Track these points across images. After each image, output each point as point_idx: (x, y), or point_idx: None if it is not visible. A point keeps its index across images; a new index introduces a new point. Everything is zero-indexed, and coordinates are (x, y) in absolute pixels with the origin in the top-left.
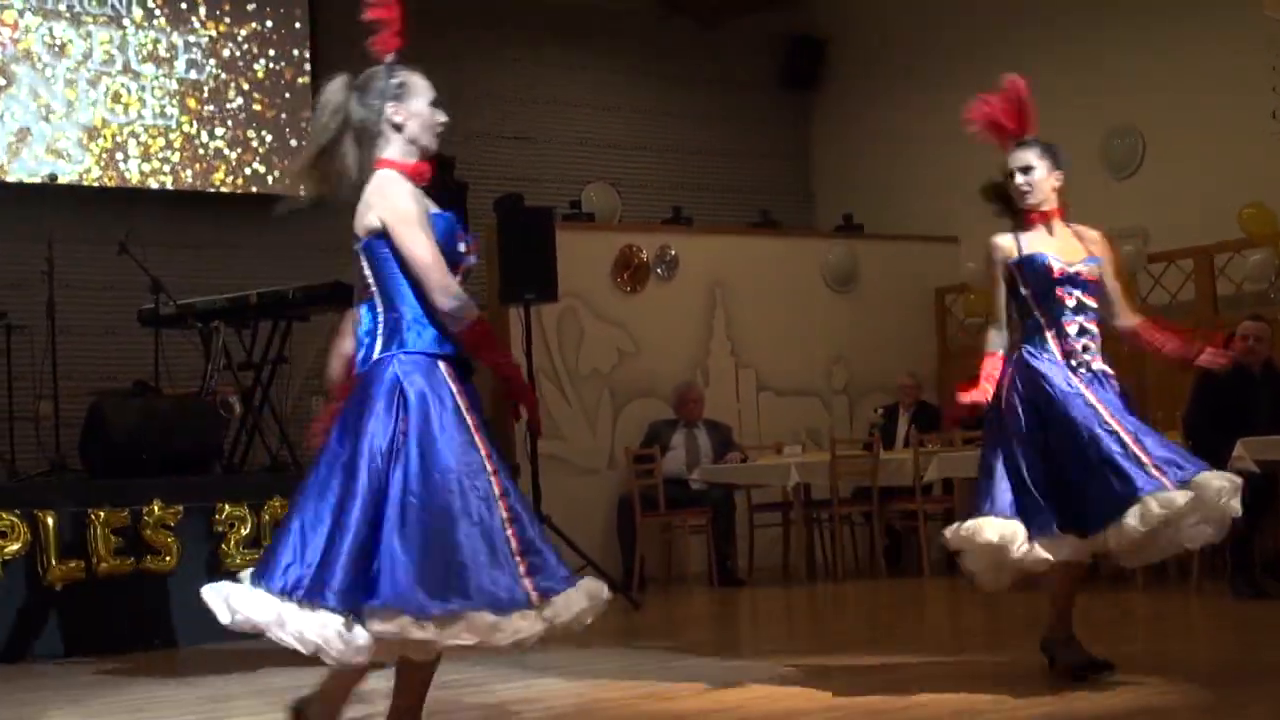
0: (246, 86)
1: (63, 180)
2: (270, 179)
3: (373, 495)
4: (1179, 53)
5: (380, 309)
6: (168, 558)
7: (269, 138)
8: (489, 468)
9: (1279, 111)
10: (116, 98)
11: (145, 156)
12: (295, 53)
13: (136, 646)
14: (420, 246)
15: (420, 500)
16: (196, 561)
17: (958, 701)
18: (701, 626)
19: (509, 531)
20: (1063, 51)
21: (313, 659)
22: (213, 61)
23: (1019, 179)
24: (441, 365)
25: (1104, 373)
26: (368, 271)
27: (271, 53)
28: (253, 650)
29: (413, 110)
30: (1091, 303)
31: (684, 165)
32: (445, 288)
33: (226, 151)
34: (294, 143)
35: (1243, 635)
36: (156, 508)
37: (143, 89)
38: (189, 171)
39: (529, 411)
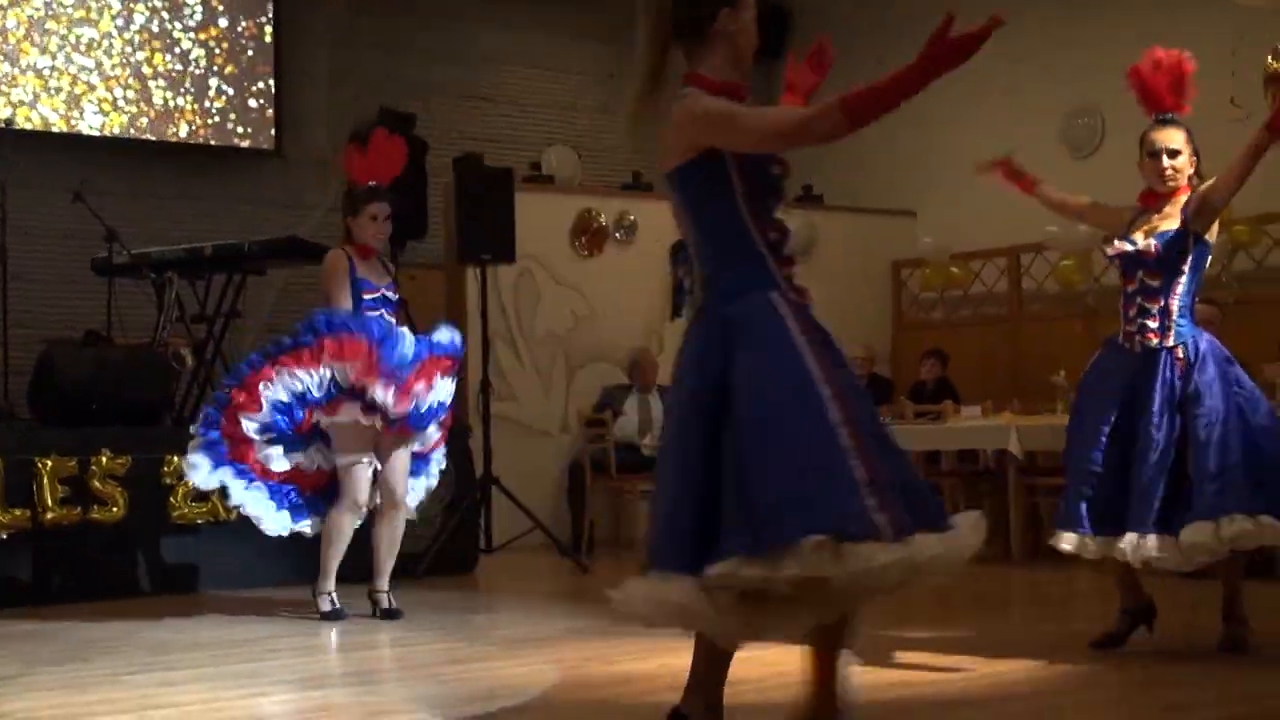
0: (207, 39)
1: (20, 126)
2: (232, 132)
3: None
4: (1140, 34)
5: None
6: (115, 508)
7: (229, 91)
8: None
9: (1236, 98)
10: (76, 46)
11: (106, 106)
12: (257, 8)
13: (81, 597)
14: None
15: None
16: (144, 513)
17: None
18: None
19: None
20: (1026, 30)
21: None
22: (173, 13)
23: (1165, 161)
24: None
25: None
26: None
27: (235, 6)
28: (195, 600)
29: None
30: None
31: (645, 130)
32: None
33: (185, 104)
34: (252, 103)
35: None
36: (105, 458)
37: (105, 37)
38: (147, 120)
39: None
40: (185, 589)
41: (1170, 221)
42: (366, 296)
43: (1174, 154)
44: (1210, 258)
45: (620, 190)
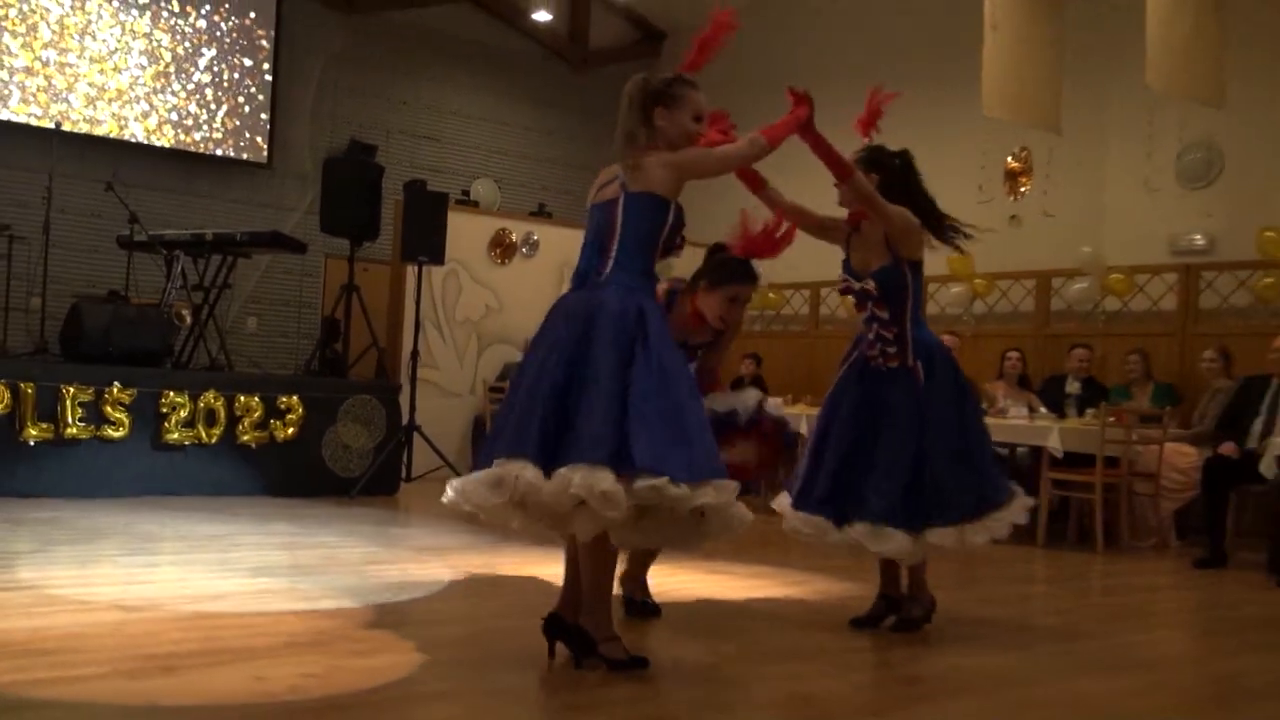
0: (221, 71)
1: (66, 127)
2: (235, 146)
3: None
4: (915, 139)
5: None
6: (120, 429)
7: (235, 115)
8: None
9: (984, 186)
10: (118, 69)
11: (138, 118)
12: (261, 53)
13: (90, 495)
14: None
15: None
16: (142, 434)
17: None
18: None
19: None
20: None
21: None
22: (192, 51)
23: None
24: None
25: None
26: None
27: (244, 50)
28: (179, 502)
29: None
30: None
31: (551, 172)
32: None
33: (200, 122)
34: (251, 125)
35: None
36: (116, 389)
37: (140, 68)
38: (170, 132)
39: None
40: (172, 493)
41: (880, 255)
42: None
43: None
44: (923, 273)
45: (528, 216)
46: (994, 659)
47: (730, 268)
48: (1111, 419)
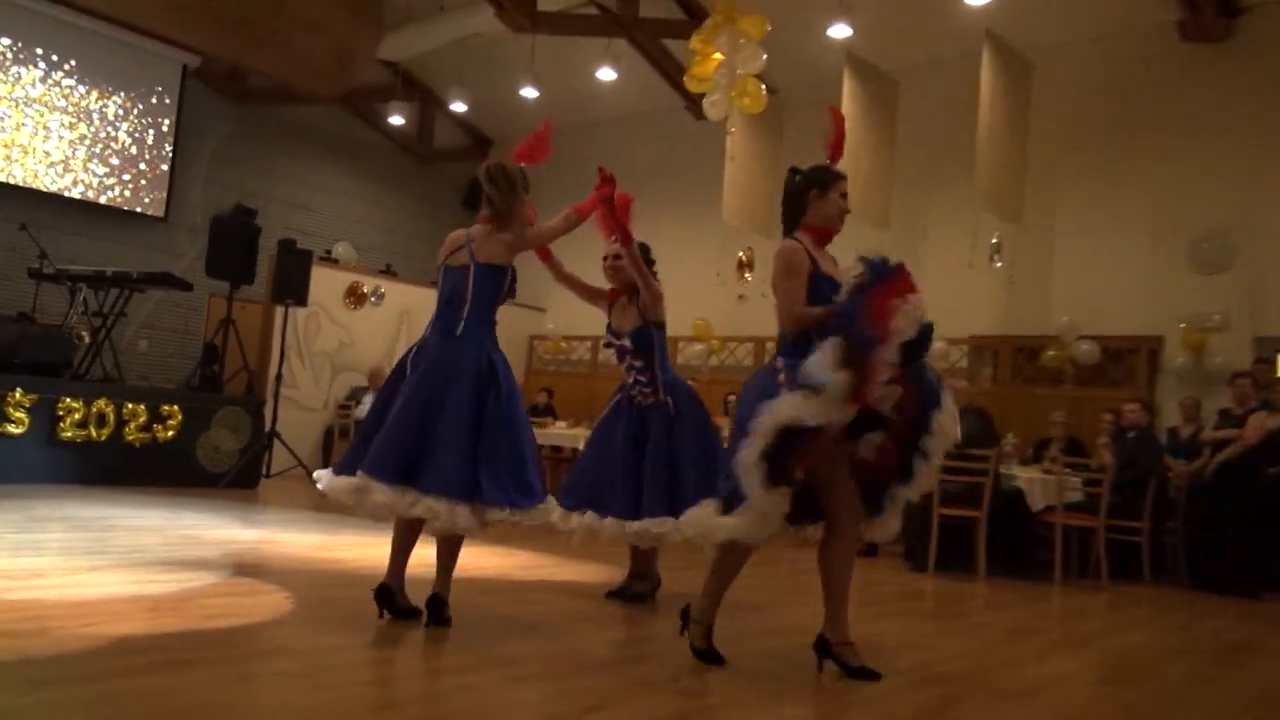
0: (131, 131)
1: None
2: (137, 200)
3: None
4: (671, 242)
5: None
6: (20, 428)
7: (139, 175)
8: None
9: (720, 272)
10: (38, 129)
11: (57, 172)
12: (165, 122)
13: None
14: None
15: None
16: (39, 432)
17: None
18: None
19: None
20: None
21: None
22: (108, 120)
23: (609, 261)
24: None
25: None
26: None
27: (149, 120)
28: (67, 490)
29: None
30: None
31: (397, 240)
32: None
33: (110, 178)
34: (153, 183)
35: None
36: (18, 393)
37: (63, 128)
38: (83, 185)
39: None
40: (63, 481)
41: (633, 320)
42: None
43: (617, 256)
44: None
45: (378, 272)
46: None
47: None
48: None
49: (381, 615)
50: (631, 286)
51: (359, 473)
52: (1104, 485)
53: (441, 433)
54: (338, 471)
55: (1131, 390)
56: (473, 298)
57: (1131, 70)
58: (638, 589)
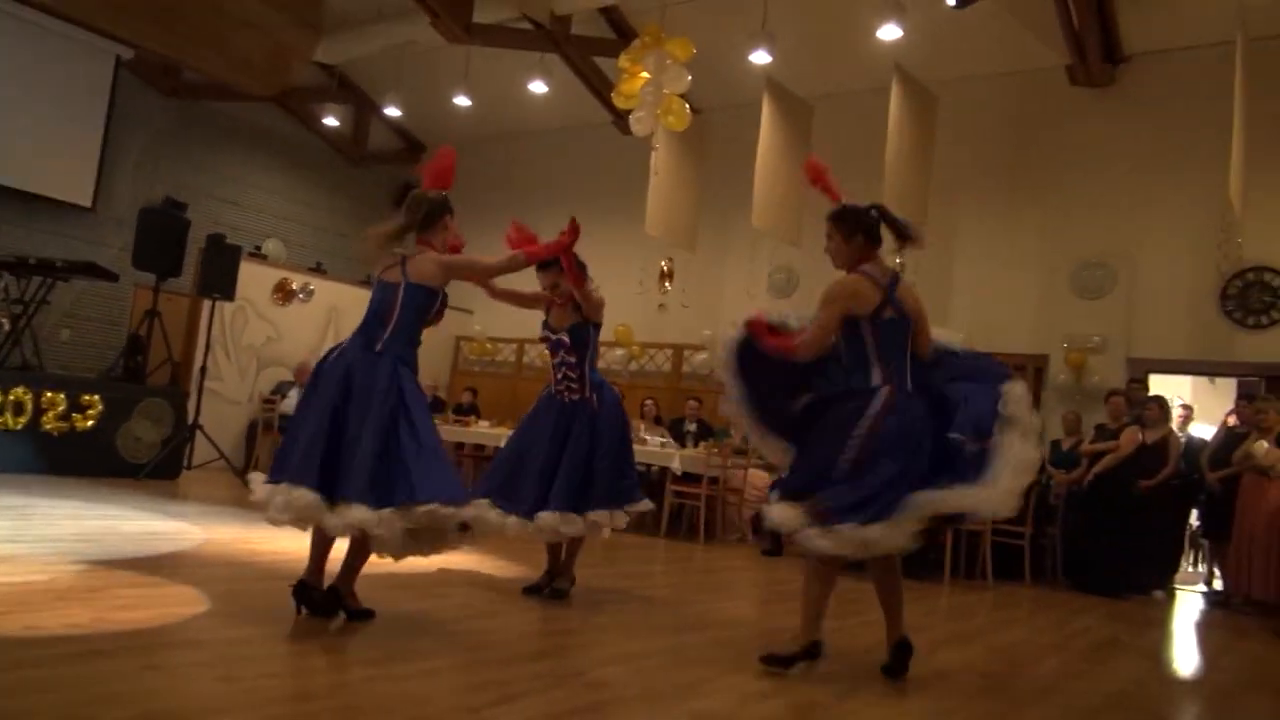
0: (61, 119)
1: None
2: (66, 190)
3: None
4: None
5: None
6: None
7: (70, 165)
8: None
9: (644, 281)
10: None
11: None
12: (96, 116)
13: None
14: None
15: None
16: None
17: None
18: None
19: None
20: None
21: None
22: (46, 112)
23: (543, 283)
24: None
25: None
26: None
27: (80, 111)
28: None
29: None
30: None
31: (327, 238)
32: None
33: (41, 167)
34: (82, 174)
35: None
36: None
37: None
38: (7, 171)
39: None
40: None
41: (572, 317)
42: None
43: (555, 285)
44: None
45: (308, 270)
46: (620, 618)
47: None
48: (715, 450)
49: (299, 612)
50: (571, 297)
51: (284, 483)
52: None
53: (365, 443)
54: (271, 479)
55: None
56: (399, 314)
57: (1026, 108)
58: (558, 586)
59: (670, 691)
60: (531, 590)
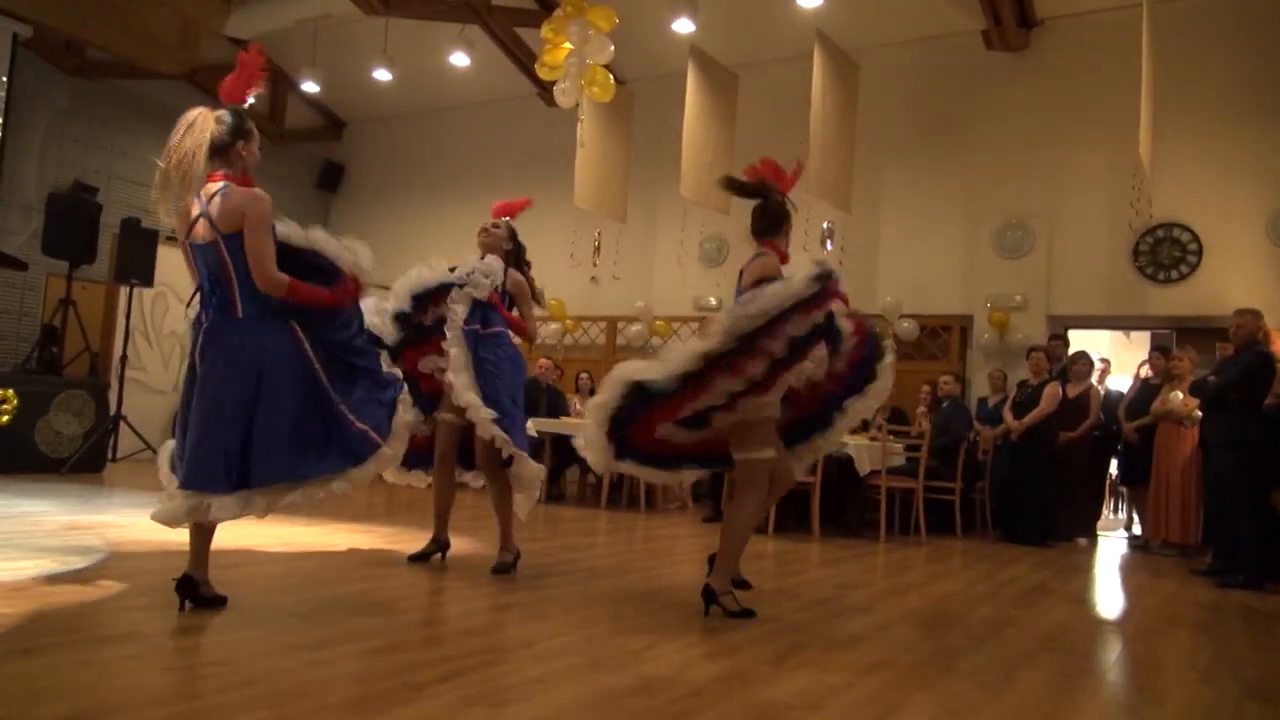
0: None
1: None
2: None
3: None
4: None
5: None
6: None
7: None
8: None
9: (574, 254)
10: None
11: None
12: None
13: None
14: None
15: None
16: None
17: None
18: None
19: None
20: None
21: None
22: None
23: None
24: None
25: None
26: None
27: None
28: None
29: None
30: None
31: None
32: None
33: None
34: None
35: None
36: None
37: None
38: None
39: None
40: None
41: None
42: None
43: (495, 225)
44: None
45: None
46: (564, 589)
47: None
48: None
49: (183, 608)
50: (498, 250)
51: (189, 491)
52: (923, 450)
53: (256, 432)
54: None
55: (946, 364)
56: (235, 273)
57: (945, 73)
58: (501, 560)
59: (618, 658)
60: (417, 558)
